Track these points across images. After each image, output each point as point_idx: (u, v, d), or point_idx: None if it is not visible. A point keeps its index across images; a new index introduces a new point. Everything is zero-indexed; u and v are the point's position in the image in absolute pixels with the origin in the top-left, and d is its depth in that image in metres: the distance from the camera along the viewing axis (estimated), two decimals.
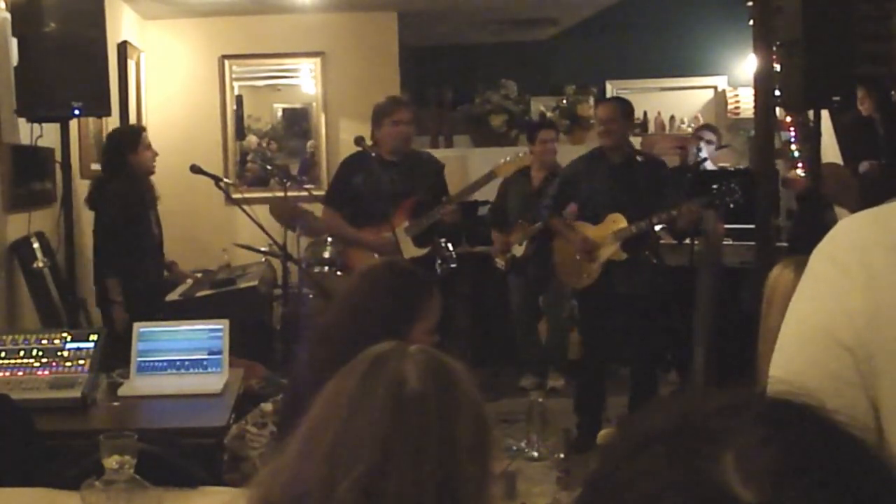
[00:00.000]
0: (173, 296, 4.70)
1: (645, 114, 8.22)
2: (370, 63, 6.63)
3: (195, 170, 4.61)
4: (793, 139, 5.24)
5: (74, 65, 4.15)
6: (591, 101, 7.72)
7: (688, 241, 5.12)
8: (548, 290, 5.82)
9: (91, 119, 5.18)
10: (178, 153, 5.00)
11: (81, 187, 5.06)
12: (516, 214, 5.74)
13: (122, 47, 5.82)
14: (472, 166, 6.81)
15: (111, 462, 1.90)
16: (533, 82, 7.77)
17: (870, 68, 4.38)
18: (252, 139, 6.92)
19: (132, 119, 5.95)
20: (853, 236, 1.05)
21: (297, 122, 7.02)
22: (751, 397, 0.60)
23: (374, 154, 4.41)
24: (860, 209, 1.10)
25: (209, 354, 3.09)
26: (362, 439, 1.10)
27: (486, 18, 7.30)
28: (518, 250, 5.69)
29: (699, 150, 6.18)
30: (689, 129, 7.60)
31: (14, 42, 4.12)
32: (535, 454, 2.88)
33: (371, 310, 2.11)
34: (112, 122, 5.45)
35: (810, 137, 4.22)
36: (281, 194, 5.77)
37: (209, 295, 4.71)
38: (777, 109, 4.84)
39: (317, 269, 5.15)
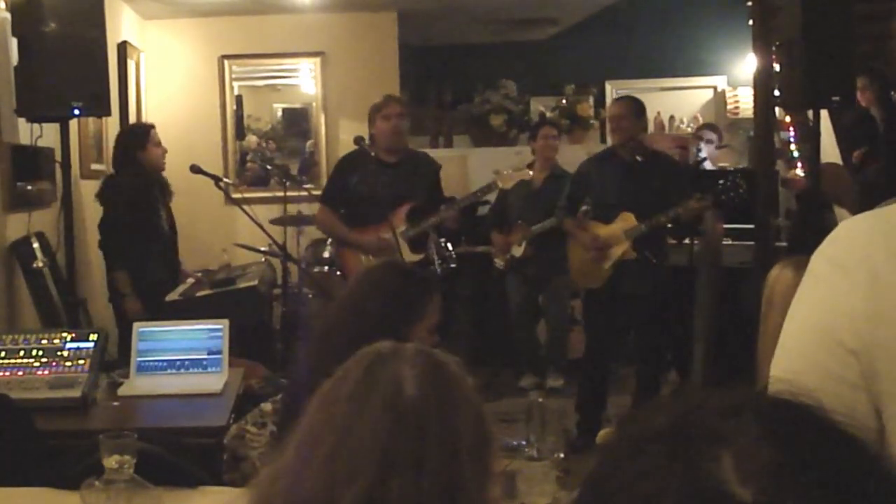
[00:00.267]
0: (173, 296, 4.70)
1: None
2: (370, 63, 6.63)
3: (195, 170, 4.61)
4: (792, 139, 5.25)
5: (74, 65, 4.15)
6: (591, 101, 7.73)
7: (688, 241, 5.12)
8: (548, 290, 5.82)
9: (91, 119, 5.18)
10: (177, 153, 5.00)
11: (81, 187, 5.06)
12: (517, 215, 5.74)
13: (122, 47, 5.83)
14: (471, 166, 6.81)
15: (111, 462, 1.90)
16: (533, 82, 7.77)
17: (870, 63, 4.39)
18: (252, 139, 6.92)
19: (132, 119, 5.95)
20: (854, 238, 1.05)
21: (296, 121, 7.02)
22: (749, 397, 0.60)
23: (372, 153, 4.42)
24: (859, 209, 1.10)
25: (209, 354, 3.09)
26: (361, 450, 1.08)
27: (486, 18, 7.29)
28: (518, 250, 5.69)
29: (699, 149, 6.19)
30: (689, 129, 7.59)
31: (14, 42, 4.12)
32: (535, 454, 2.88)
33: (371, 310, 2.11)
34: (112, 122, 5.45)
35: (810, 137, 4.22)
36: (281, 194, 5.77)
37: (209, 295, 4.71)
38: (777, 109, 4.84)
39: (317, 269, 5.15)
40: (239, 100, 6.86)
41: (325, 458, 1.10)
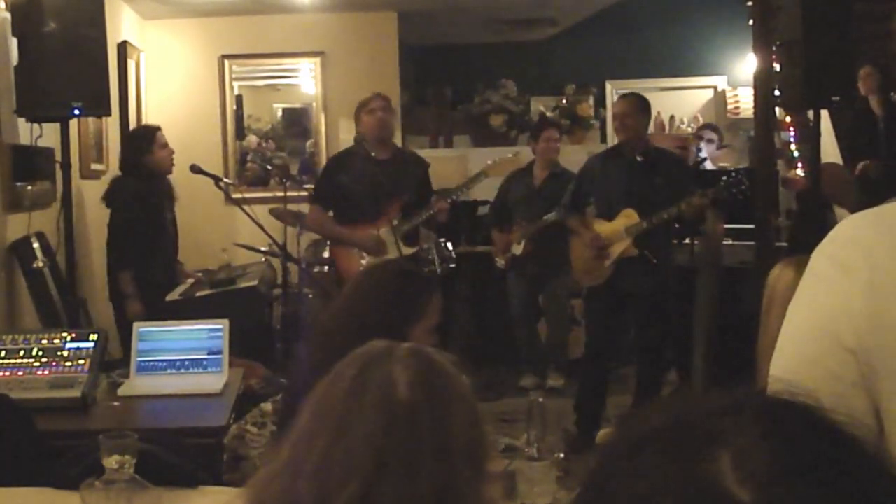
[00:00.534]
0: (173, 296, 4.70)
1: None
2: (370, 63, 6.63)
3: (195, 170, 4.62)
4: (792, 139, 5.25)
5: (74, 65, 4.15)
6: (591, 100, 7.73)
7: (688, 240, 5.12)
8: (548, 289, 5.81)
9: (91, 119, 5.18)
10: (178, 153, 4.99)
11: (81, 187, 5.06)
12: (517, 213, 5.74)
13: (122, 47, 5.82)
14: (472, 166, 6.80)
15: (111, 462, 1.90)
16: (533, 82, 7.77)
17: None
18: (252, 139, 6.92)
19: (132, 119, 5.95)
20: (854, 236, 1.05)
21: (296, 121, 7.02)
22: (748, 397, 0.60)
23: (363, 150, 4.49)
24: (859, 209, 1.10)
25: (209, 354, 3.09)
26: (354, 453, 1.08)
27: (486, 18, 7.29)
28: (518, 249, 5.69)
29: (699, 150, 6.19)
30: (689, 129, 7.59)
31: (14, 42, 4.12)
32: (535, 454, 2.88)
33: (371, 310, 2.11)
34: (112, 121, 5.45)
35: (810, 137, 4.23)
36: (281, 194, 5.77)
37: (209, 295, 4.71)
38: (777, 109, 4.84)
39: (317, 269, 5.15)
40: (239, 100, 6.86)
41: (319, 460, 1.09)
